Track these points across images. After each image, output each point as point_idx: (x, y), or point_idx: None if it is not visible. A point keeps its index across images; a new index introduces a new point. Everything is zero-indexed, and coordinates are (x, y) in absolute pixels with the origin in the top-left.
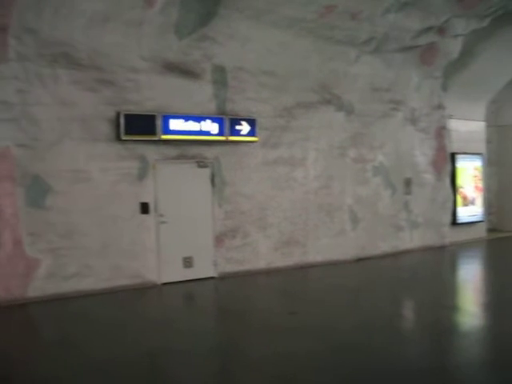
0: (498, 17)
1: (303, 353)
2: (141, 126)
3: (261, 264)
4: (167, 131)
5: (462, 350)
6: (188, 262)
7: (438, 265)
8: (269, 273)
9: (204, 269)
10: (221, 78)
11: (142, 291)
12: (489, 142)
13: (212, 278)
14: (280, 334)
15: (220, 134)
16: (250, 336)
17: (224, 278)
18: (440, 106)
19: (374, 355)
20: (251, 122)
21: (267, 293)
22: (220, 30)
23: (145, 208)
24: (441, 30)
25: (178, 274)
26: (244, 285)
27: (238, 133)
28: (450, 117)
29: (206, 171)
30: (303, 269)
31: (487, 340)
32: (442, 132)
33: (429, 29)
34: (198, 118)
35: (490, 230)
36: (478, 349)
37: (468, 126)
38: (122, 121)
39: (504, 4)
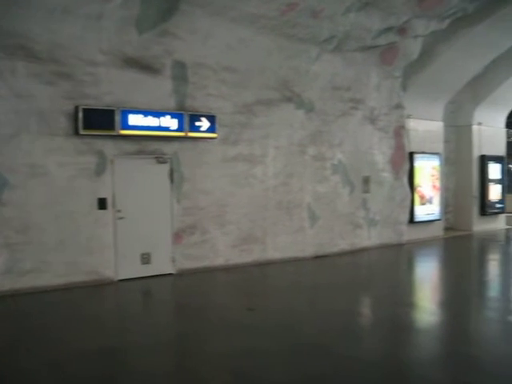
0: (457, 19)
1: (260, 349)
2: (99, 120)
3: (219, 261)
4: (126, 126)
5: (417, 346)
6: (146, 259)
7: (395, 262)
8: (227, 269)
9: (162, 265)
10: (181, 73)
11: (99, 288)
12: (447, 141)
13: (170, 274)
14: (238, 331)
15: (179, 129)
16: (208, 332)
17: (182, 274)
18: (399, 106)
19: (330, 353)
20: (211, 119)
21: (225, 289)
22: (181, 26)
23: (102, 203)
24: (401, 31)
25: (135, 270)
26: (202, 281)
27: (197, 129)
28: (409, 116)
29: (165, 167)
30: (262, 266)
31: (442, 336)
32: (400, 131)
33: (389, 29)
34: (158, 114)
35: (447, 229)
36: (433, 345)
37: (426, 125)
38: (80, 115)
39: (463, 6)
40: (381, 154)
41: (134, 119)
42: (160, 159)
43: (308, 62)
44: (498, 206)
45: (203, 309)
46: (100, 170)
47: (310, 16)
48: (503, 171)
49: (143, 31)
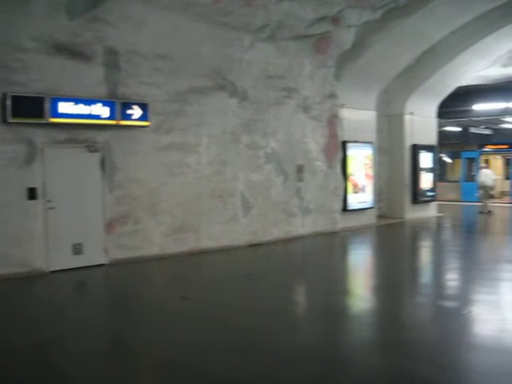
0: (390, 10)
1: (195, 338)
2: (28, 108)
3: (153, 250)
4: (56, 114)
5: (351, 332)
6: (77, 249)
7: (329, 250)
8: (161, 259)
9: (94, 256)
10: (113, 60)
11: (30, 280)
12: (379, 131)
13: (103, 265)
14: (172, 320)
15: (111, 117)
16: (141, 322)
17: (115, 264)
18: (332, 95)
19: (264, 340)
20: (143, 107)
21: (159, 279)
22: (113, 12)
23: (32, 193)
24: (334, 20)
25: (67, 261)
26: (136, 271)
27: (129, 117)
28: (342, 106)
29: (97, 156)
30: (196, 255)
31: (376, 322)
32: (333, 120)
33: (323, 18)
34: (89, 102)
35: (380, 217)
36: (366, 331)
37: (359, 114)
38: (8, 102)
39: None
40: (314, 142)
41: (65, 107)
42: (91, 148)
43: (241, 51)
44: (430, 194)
45: (136, 299)
46: (29, 159)
47: (243, 4)
48: (434, 160)
49: (74, 17)
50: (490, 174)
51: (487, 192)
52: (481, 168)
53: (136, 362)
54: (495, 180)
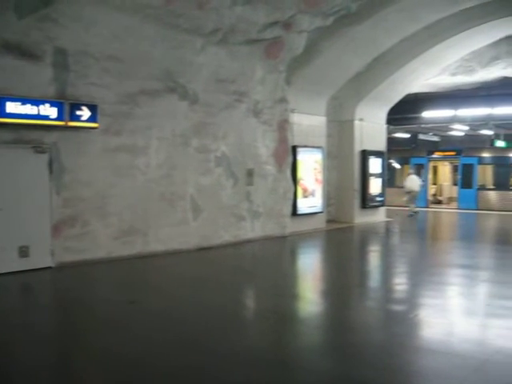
0: (341, 17)
1: (141, 342)
2: None
3: (101, 253)
4: (2, 114)
5: (299, 336)
6: (24, 252)
7: (278, 254)
8: (109, 262)
9: (41, 258)
10: (62, 61)
11: None
12: (329, 136)
13: (50, 268)
14: (119, 324)
15: (59, 118)
16: (87, 326)
17: (62, 267)
18: (283, 100)
19: (211, 345)
20: (92, 108)
21: (107, 282)
22: (63, 12)
23: None
24: (286, 25)
25: (12, 264)
26: (83, 275)
27: (78, 118)
28: (293, 110)
29: (44, 157)
30: (145, 258)
31: (324, 325)
32: (284, 125)
33: (274, 23)
34: (37, 102)
35: (329, 221)
36: (315, 334)
37: (310, 120)
38: None
39: (347, 5)
40: (264, 147)
41: (12, 107)
42: (39, 149)
43: (193, 54)
44: (378, 199)
45: (83, 302)
46: None
47: (195, 7)
48: (383, 166)
49: (23, 16)
50: (416, 179)
51: (413, 197)
52: (408, 174)
53: (81, 366)
54: (421, 185)
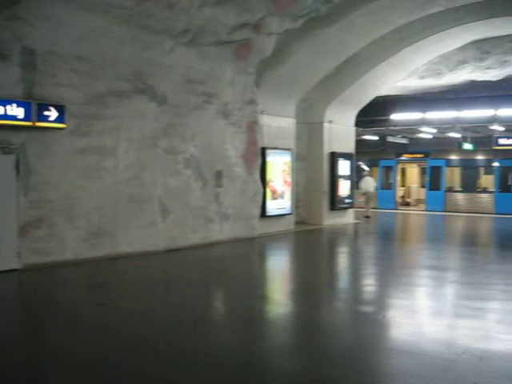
0: (311, 19)
1: (107, 344)
2: None
3: (69, 255)
4: None
5: (268, 337)
6: None
7: (247, 256)
8: (77, 264)
9: (7, 260)
10: (30, 61)
11: None
12: (298, 138)
13: (16, 270)
14: (85, 326)
15: (26, 119)
16: (53, 328)
17: (29, 269)
18: (252, 102)
19: (178, 347)
20: (60, 108)
21: (74, 284)
22: (32, 11)
23: None
24: (256, 27)
25: None
26: (50, 276)
27: (45, 119)
28: (262, 112)
29: (11, 158)
30: (113, 260)
31: (293, 327)
32: (253, 127)
33: (244, 25)
34: (3, 102)
35: (298, 223)
36: (283, 335)
37: (279, 122)
38: None
39: (316, 7)
40: (233, 148)
41: None
42: (5, 149)
43: (162, 55)
44: (347, 201)
45: (50, 305)
46: None
47: (165, 8)
48: (352, 168)
49: None
50: (371, 181)
51: (369, 198)
52: (362, 176)
53: (46, 367)
54: (375, 187)
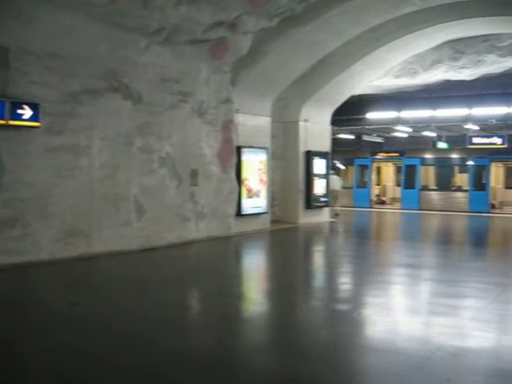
0: (286, 18)
1: (81, 344)
2: None
3: (42, 255)
4: None
5: (244, 336)
6: None
7: (222, 255)
8: (51, 264)
9: None
10: (2, 58)
11: None
12: (274, 137)
13: None
14: (59, 325)
15: (0, 117)
16: (26, 328)
17: (2, 270)
18: (228, 100)
19: (155, 345)
20: (34, 107)
21: (48, 284)
22: (2, 7)
23: None
24: (231, 26)
25: None
26: (24, 277)
27: (19, 117)
28: (238, 111)
29: None
30: (88, 260)
31: (269, 325)
32: (229, 125)
33: (220, 24)
34: None
35: (274, 222)
36: (259, 334)
37: (254, 120)
38: None
39: (291, 6)
40: (209, 147)
41: None
42: None
43: (137, 53)
44: (323, 199)
45: (24, 305)
46: None
47: (140, 6)
48: (328, 166)
49: None
50: (337, 179)
51: (336, 197)
52: (329, 174)
53: (18, 367)
54: (342, 185)
